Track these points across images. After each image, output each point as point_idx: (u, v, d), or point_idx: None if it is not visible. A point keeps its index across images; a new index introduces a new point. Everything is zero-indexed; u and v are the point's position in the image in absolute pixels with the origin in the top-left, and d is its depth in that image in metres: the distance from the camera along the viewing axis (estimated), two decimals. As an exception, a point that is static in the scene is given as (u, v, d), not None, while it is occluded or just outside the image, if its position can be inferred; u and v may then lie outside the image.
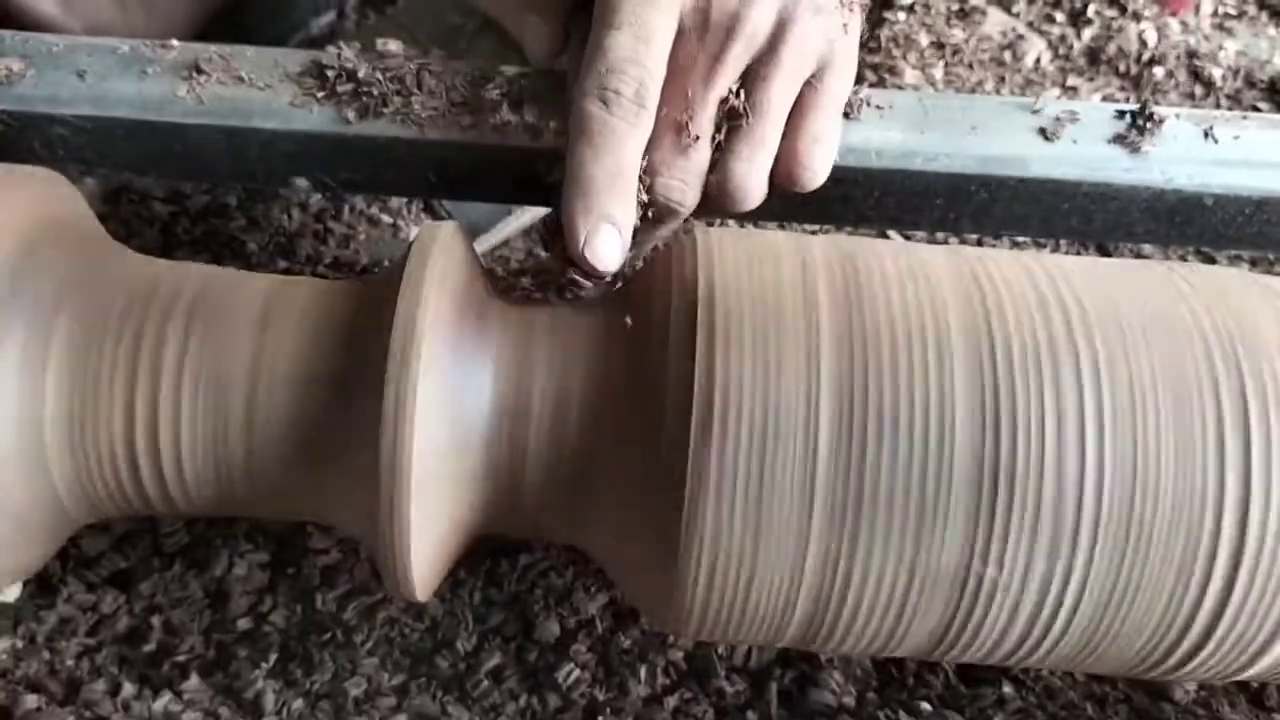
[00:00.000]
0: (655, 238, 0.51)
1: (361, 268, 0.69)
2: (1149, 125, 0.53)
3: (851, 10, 0.49)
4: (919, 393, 0.40)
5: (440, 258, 0.44)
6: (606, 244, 0.45)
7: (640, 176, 0.47)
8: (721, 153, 0.48)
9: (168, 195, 0.71)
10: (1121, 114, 0.54)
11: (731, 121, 0.47)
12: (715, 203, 0.49)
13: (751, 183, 0.48)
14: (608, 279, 0.47)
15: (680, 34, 0.47)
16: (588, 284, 0.47)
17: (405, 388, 0.41)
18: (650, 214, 0.48)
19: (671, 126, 0.47)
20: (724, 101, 0.47)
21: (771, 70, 0.47)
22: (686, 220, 0.49)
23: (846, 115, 0.53)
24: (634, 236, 0.49)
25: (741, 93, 0.47)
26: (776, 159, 0.50)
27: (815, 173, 0.50)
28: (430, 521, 0.43)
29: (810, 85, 0.49)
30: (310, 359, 0.44)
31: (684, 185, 0.47)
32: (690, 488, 0.40)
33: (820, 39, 0.48)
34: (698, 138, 0.47)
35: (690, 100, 0.47)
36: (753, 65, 0.47)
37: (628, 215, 0.46)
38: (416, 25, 0.75)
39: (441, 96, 0.51)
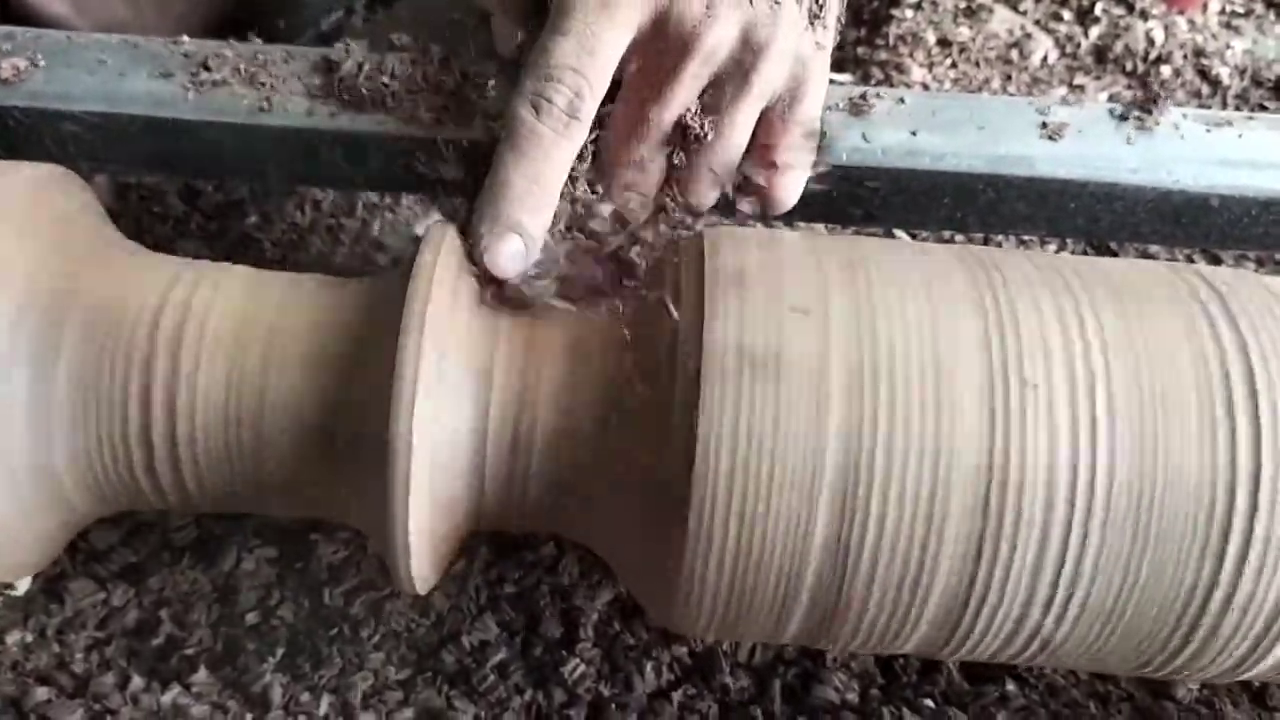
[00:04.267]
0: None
1: (374, 264, 0.69)
2: (1155, 124, 0.53)
3: (825, 27, 0.48)
4: (927, 395, 0.40)
5: (446, 257, 0.44)
6: (508, 252, 0.45)
7: (602, 183, 0.47)
8: (680, 170, 0.47)
9: (180, 192, 0.72)
10: (1128, 113, 0.54)
11: (691, 141, 0.47)
12: (671, 214, 0.49)
13: (707, 201, 0.48)
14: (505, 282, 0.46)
15: (637, 48, 0.46)
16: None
17: (410, 385, 0.41)
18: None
19: (626, 139, 0.47)
20: (682, 119, 0.46)
21: (734, 91, 0.46)
22: (691, 219, 0.49)
23: (855, 113, 0.53)
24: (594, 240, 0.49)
25: (701, 111, 0.46)
26: (745, 184, 0.49)
27: (783, 201, 0.49)
28: (434, 518, 0.43)
29: (779, 108, 0.48)
30: (318, 357, 0.44)
31: (638, 198, 0.48)
32: (694, 485, 0.40)
33: (790, 59, 0.46)
34: (651, 153, 0.46)
35: (644, 115, 0.46)
36: (715, 83, 0.46)
37: (538, 225, 0.45)
38: (418, 23, 0.75)
39: (448, 94, 0.52)
